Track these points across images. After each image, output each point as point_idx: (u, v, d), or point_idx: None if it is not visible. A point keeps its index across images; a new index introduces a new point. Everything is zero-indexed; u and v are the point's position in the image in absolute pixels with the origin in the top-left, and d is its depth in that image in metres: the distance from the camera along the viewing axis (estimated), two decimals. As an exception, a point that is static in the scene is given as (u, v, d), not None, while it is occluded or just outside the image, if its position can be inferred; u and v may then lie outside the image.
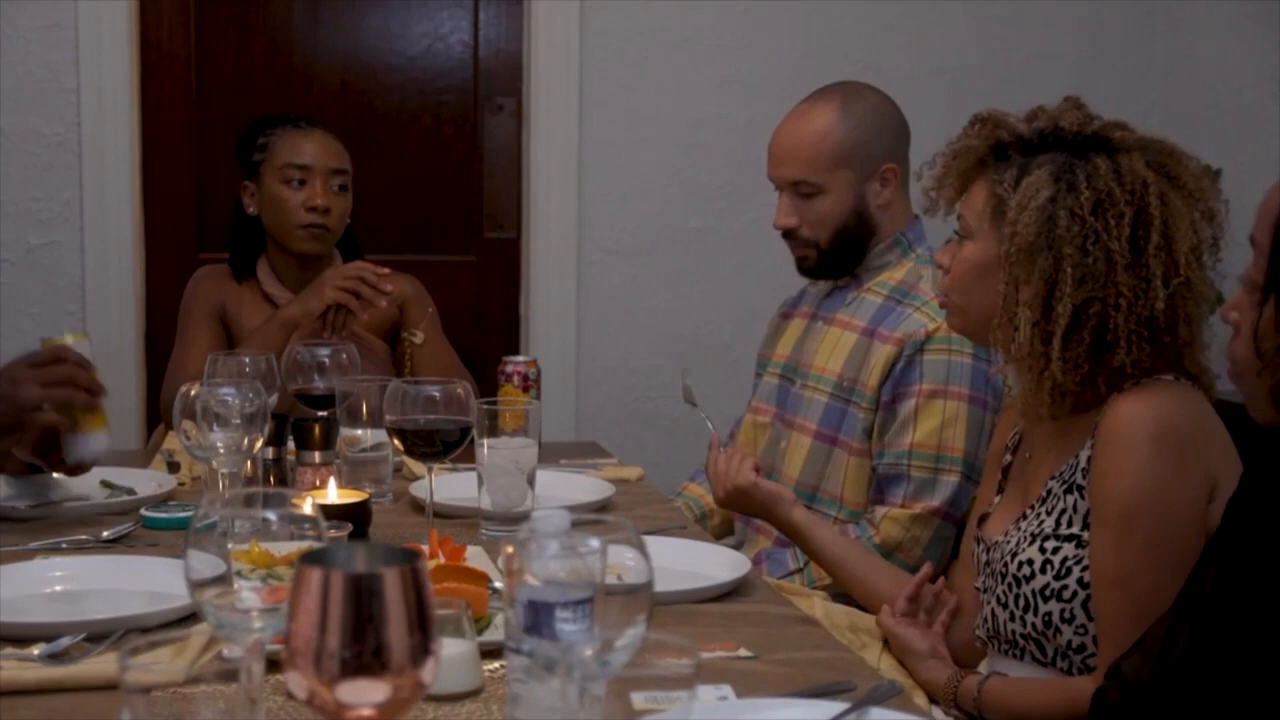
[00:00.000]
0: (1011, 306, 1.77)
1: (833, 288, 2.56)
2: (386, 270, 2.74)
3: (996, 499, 1.94)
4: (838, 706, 1.32)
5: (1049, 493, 1.78)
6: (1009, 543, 1.80)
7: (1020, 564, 1.77)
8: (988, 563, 1.86)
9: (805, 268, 2.53)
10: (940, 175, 1.89)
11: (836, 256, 2.48)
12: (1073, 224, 1.72)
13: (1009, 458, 1.94)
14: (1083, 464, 1.74)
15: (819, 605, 2.04)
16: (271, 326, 2.73)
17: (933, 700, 1.87)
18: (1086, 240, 1.71)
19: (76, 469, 2.08)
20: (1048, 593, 1.75)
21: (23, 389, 1.95)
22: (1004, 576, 1.80)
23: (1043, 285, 1.74)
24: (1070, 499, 1.75)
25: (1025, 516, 1.81)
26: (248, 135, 2.92)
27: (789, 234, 2.49)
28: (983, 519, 1.94)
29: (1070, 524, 1.74)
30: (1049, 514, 1.77)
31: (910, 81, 2.65)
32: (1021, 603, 1.77)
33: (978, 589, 1.90)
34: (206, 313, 2.89)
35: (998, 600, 1.81)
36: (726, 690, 1.42)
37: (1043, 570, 1.75)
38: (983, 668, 1.88)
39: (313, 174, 2.82)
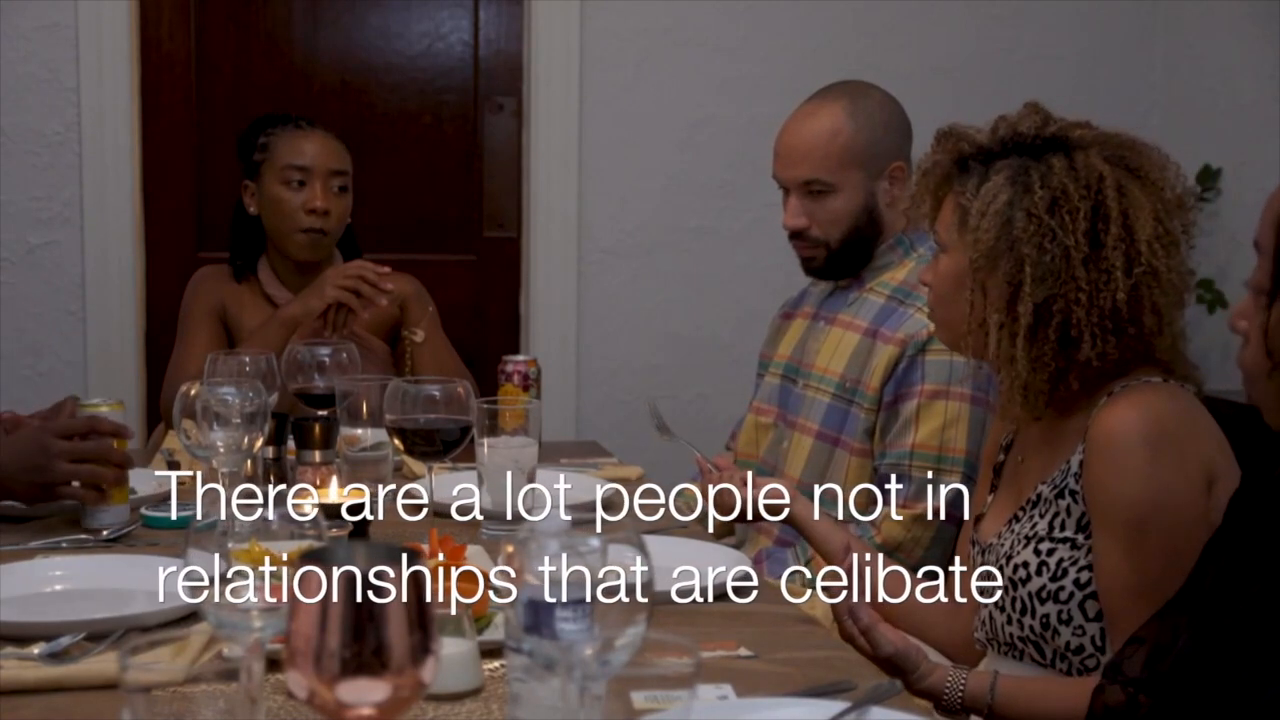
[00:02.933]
0: (980, 312, 1.79)
1: (834, 288, 2.56)
2: (387, 269, 2.74)
3: (990, 499, 1.94)
4: (838, 706, 1.32)
5: (1039, 497, 1.78)
6: (1003, 545, 1.80)
7: (1015, 567, 1.77)
8: (982, 564, 1.86)
9: (812, 268, 2.52)
10: (915, 194, 1.91)
11: (845, 256, 2.48)
12: (1029, 224, 1.73)
13: (1002, 457, 1.94)
14: (1074, 469, 1.74)
15: (819, 605, 2.04)
16: (272, 326, 2.73)
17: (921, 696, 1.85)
18: (1044, 239, 1.72)
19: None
20: (1044, 595, 1.75)
21: (55, 464, 1.95)
22: (999, 579, 1.80)
23: (1006, 287, 1.75)
24: (1062, 503, 1.75)
25: (1018, 518, 1.81)
26: (249, 134, 2.92)
27: (798, 234, 2.49)
28: (978, 520, 1.94)
29: (1063, 528, 1.74)
30: (1041, 517, 1.77)
31: (910, 81, 2.65)
32: (1019, 605, 1.77)
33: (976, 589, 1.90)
34: (206, 313, 2.89)
35: (995, 603, 1.81)
36: (726, 690, 1.42)
37: (1038, 573, 1.75)
38: (981, 668, 1.88)
39: (312, 175, 2.82)
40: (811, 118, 2.46)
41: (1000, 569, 1.80)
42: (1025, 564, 1.76)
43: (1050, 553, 1.74)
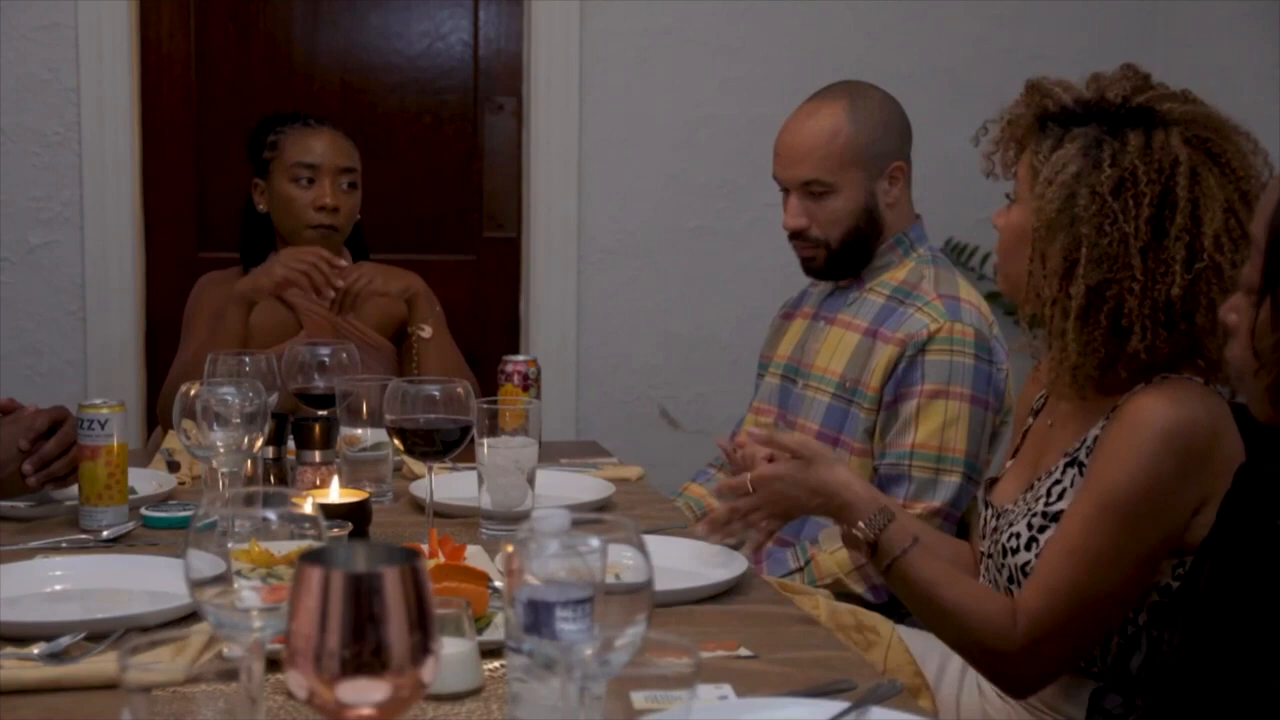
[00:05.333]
0: (1038, 281, 1.76)
1: (834, 288, 2.56)
2: (343, 263, 2.75)
3: (1009, 463, 1.93)
4: (838, 706, 1.32)
5: (1055, 467, 1.78)
6: (1013, 513, 1.81)
7: (1010, 536, 1.77)
8: (995, 529, 1.85)
9: (812, 268, 2.52)
10: (996, 140, 1.86)
11: (845, 256, 2.48)
12: (1092, 203, 1.69)
13: (1031, 420, 1.93)
14: (1089, 442, 1.73)
15: (823, 604, 2.03)
16: (229, 308, 2.74)
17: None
18: (1105, 221, 1.69)
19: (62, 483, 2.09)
20: (1028, 570, 1.75)
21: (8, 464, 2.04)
22: (997, 543, 1.81)
23: (1062, 262, 1.72)
24: (1069, 473, 1.75)
25: (1032, 488, 1.80)
26: (258, 133, 2.92)
27: (798, 234, 2.48)
28: (994, 482, 1.94)
29: (1061, 498, 1.74)
30: (1041, 484, 1.77)
31: (910, 81, 2.65)
32: (1005, 574, 1.78)
33: (982, 553, 1.90)
34: (208, 318, 2.90)
35: (996, 567, 1.82)
36: (726, 690, 1.42)
37: (1028, 547, 1.75)
38: None
39: (321, 173, 2.83)
40: (811, 118, 2.46)
41: (998, 535, 1.80)
42: (1017, 534, 1.77)
43: (1042, 530, 1.75)
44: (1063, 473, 1.76)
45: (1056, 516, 1.74)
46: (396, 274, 2.82)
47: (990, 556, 1.85)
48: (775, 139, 2.51)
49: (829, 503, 1.86)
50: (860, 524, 1.81)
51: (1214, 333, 1.68)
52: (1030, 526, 1.75)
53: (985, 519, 1.91)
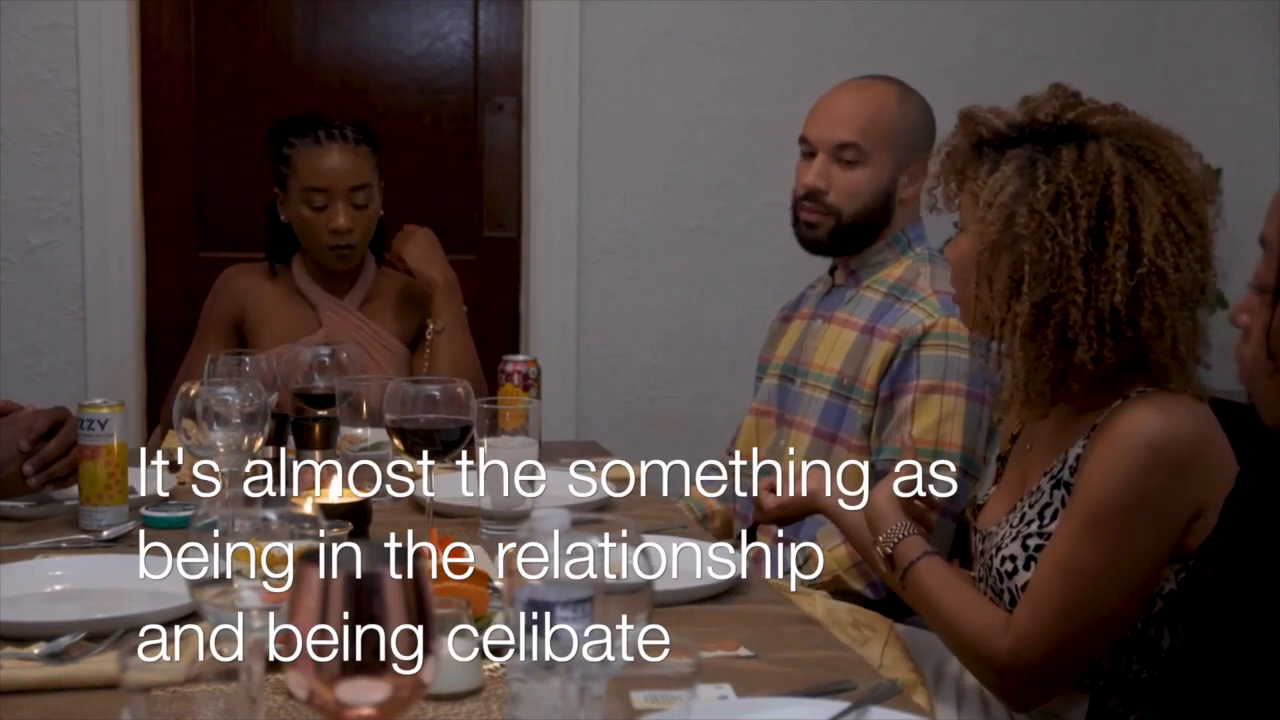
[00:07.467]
0: (985, 304, 1.78)
1: (831, 286, 2.56)
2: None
3: (993, 488, 1.94)
4: (838, 706, 1.32)
5: (1039, 488, 1.78)
6: (998, 535, 1.81)
7: (1004, 559, 1.78)
8: (982, 552, 1.86)
9: (811, 238, 2.50)
10: (936, 174, 1.89)
11: (849, 234, 2.47)
12: (1031, 220, 1.70)
13: (1008, 445, 1.94)
14: (1071, 461, 1.73)
15: (820, 603, 2.04)
16: None
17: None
18: (1045, 237, 1.70)
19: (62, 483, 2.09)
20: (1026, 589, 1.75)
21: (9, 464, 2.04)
22: (990, 569, 1.81)
23: (1008, 282, 1.73)
24: (1057, 494, 1.75)
25: (1016, 509, 1.81)
26: (273, 139, 2.89)
27: (812, 196, 2.47)
28: (979, 507, 1.95)
29: (1054, 518, 1.74)
30: (1031, 508, 1.77)
31: (910, 81, 2.65)
32: (1006, 597, 1.77)
33: (975, 577, 1.90)
34: (220, 320, 2.90)
35: (992, 591, 1.82)
36: (726, 690, 1.42)
37: (1025, 567, 1.75)
38: None
39: (333, 196, 2.81)
40: (863, 90, 2.49)
41: (990, 559, 1.80)
42: (1013, 557, 1.77)
43: (1038, 549, 1.75)
44: (1050, 494, 1.76)
45: (1051, 534, 1.74)
46: (429, 261, 2.86)
47: (982, 580, 1.85)
48: (813, 104, 2.50)
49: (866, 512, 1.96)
50: (880, 537, 1.88)
51: (1160, 336, 1.70)
52: (1025, 548, 1.76)
53: (974, 542, 1.92)
